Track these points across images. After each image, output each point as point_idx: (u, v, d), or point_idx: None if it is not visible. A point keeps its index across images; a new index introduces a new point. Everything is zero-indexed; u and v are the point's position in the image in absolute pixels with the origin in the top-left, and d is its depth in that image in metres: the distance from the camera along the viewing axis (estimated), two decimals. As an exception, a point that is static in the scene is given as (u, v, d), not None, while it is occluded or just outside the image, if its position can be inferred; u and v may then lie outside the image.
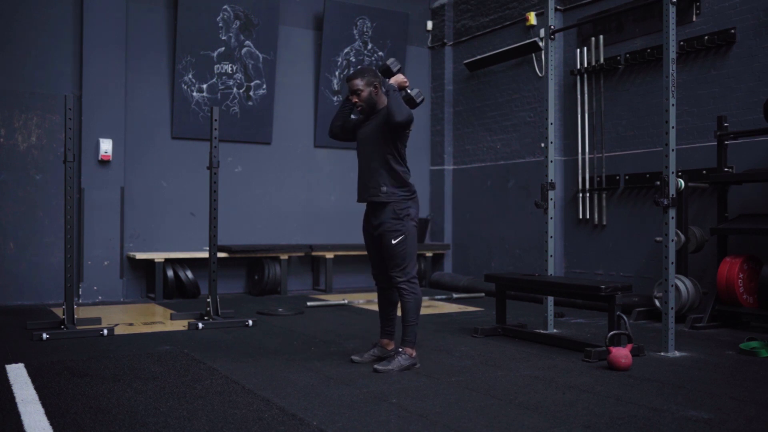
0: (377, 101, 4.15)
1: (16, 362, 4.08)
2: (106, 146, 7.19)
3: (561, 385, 3.63)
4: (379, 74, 4.19)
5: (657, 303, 5.66)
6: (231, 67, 7.88)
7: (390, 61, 4.16)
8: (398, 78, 4.15)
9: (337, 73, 8.55)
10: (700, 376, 3.86)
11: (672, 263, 4.51)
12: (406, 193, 4.10)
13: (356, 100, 4.13)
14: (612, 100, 7.11)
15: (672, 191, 4.49)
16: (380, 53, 8.77)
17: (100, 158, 7.18)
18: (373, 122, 4.15)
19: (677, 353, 4.46)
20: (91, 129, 7.18)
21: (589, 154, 7.29)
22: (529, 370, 4.00)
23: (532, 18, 7.88)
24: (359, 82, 4.09)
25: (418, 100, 4.15)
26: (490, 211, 8.55)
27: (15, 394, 3.36)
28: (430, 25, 9.40)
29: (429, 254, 8.89)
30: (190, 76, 7.66)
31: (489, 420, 3.00)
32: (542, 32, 6.92)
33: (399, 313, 4.15)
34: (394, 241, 4.02)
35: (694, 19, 6.32)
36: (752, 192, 5.82)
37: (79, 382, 3.62)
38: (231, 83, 7.90)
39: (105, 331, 5.07)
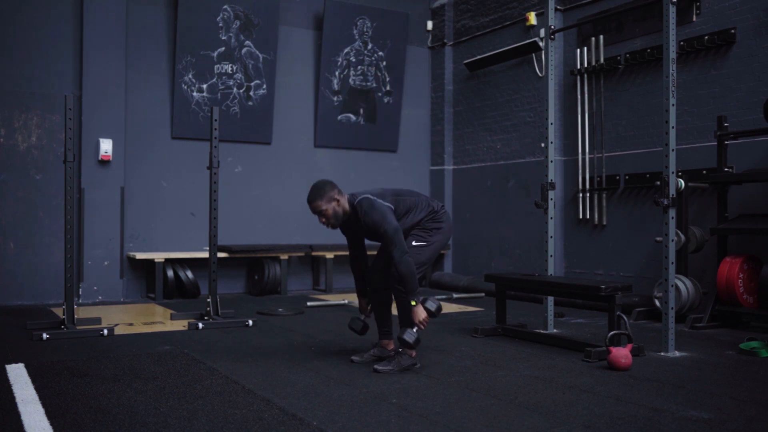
0: (344, 211, 3.99)
1: (16, 362, 4.08)
2: (106, 146, 7.19)
3: (561, 385, 3.63)
4: (338, 188, 3.99)
5: (657, 303, 5.66)
6: (231, 67, 7.88)
7: (436, 306, 3.95)
8: (420, 316, 3.87)
9: (337, 73, 8.55)
10: (700, 376, 3.86)
11: (672, 263, 4.50)
12: (432, 217, 4.14)
13: (323, 221, 3.97)
14: (612, 100, 7.11)
15: (672, 191, 4.49)
16: (380, 53, 8.77)
17: (100, 158, 7.18)
18: (356, 228, 4.08)
19: (677, 353, 4.46)
20: (91, 129, 7.18)
21: (589, 154, 7.29)
22: (529, 370, 4.00)
23: (532, 18, 7.88)
24: (320, 204, 3.92)
25: (433, 310, 3.97)
26: (490, 211, 8.55)
27: (15, 394, 3.36)
28: (430, 25, 9.40)
29: (429, 254, 8.88)
30: (190, 76, 7.66)
31: (489, 420, 3.00)
32: (542, 32, 6.93)
33: (394, 312, 4.14)
34: (414, 243, 4.03)
35: (694, 19, 6.32)
36: (752, 192, 5.82)
37: (79, 382, 3.62)
38: (231, 83, 7.90)
39: (105, 331, 5.07)
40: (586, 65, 7.28)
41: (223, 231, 7.27)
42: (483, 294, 7.76)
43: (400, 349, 4.01)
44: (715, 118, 5.94)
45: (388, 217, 3.87)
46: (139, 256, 7.27)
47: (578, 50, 7.36)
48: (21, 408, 3.13)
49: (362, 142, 8.79)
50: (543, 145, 5.55)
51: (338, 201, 3.95)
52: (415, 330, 3.86)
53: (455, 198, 9.14)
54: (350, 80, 8.63)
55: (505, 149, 8.36)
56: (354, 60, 8.62)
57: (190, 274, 7.45)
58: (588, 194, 7.28)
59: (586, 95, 7.31)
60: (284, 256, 7.93)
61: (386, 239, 3.84)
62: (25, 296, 6.94)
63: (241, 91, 7.97)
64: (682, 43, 6.28)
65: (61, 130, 7.00)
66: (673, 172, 4.50)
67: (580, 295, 4.85)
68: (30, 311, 6.36)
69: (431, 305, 3.92)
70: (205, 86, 7.76)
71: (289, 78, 8.40)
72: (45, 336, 4.85)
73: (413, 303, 3.85)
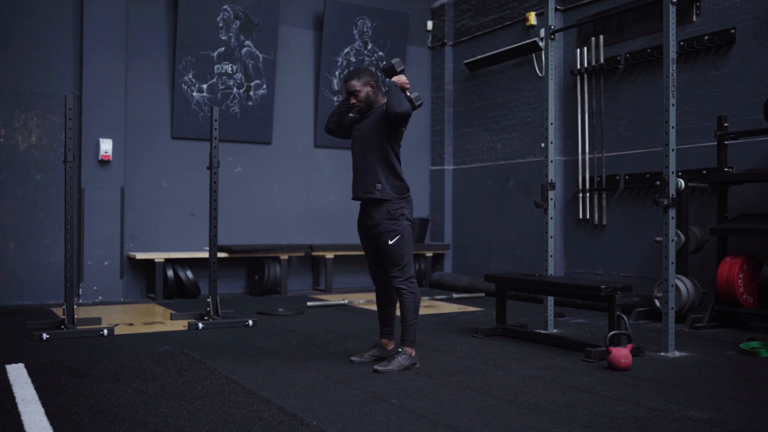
0: (375, 100, 4.16)
1: (16, 362, 4.08)
2: (106, 146, 7.19)
3: (561, 385, 3.63)
4: (377, 73, 4.19)
5: (657, 303, 5.66)
6: (231, 67, 7.88)
7: (395, 60, 4.11)
8: (401, 78, 4.08)
9: (337, 73, 8.55)
10: (700, 376, 3.86)
11: (672, 263, 4.51)
12: (400, 192, 4.12)
13: (354, 101, 4.13)
14: (612, 100, 7.11)
15: (672, 191, 4.49)
16: (380, 53, 8.77)
17: (100, 158, 7.18)
18: (369, 120, 4.16)
19: (677, 353, 4.46)
20: (91, 129, 7.18)
21: (589, 154, 7.29)
22: (529, 370, 4.00)
23: (532, 18, 7.88)
24: (356, 83, 4.10)
25: (417, 103, 4.10)
26: (490, 211, 8.55)
27: (15, 394, 3.36)
28: (430, 25, 9.40)
29: (429, 254, 8.89)
30: (190, 76, 7.66)
31: (489, 420, 3.00)
32: (542, 32, 6.92)
33: (398, 312, 4.15)
34: (391, 242, 4.03)
35: (694, 19, 6.32)
36: (752, 192, 5.82)
37: (79, 382, 3.62)
38: (231, 83, 7.90)
39: (105, 331, 5.07)
40: (586, 65, 7.28)
41: (223, 231, 7.27)
42: (483, 294, 7.76)
43: (400, 349, 4.01)
44: (715, 118, 5.94)
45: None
46: (139, 256, 7.27)
47: (578, 50, 7.36)
48: (21, 408, 3.13)
49: (362, 142, 8.78)
50: (543, 145, 5.55)
51: (373, 88, 4.16)
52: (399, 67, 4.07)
53: (455, 198, 9.15)
54: (350, 80, 8.62)
55: (505, 149, 8.36)
56: (354, 60, 8.62)
57: (190, 274, 7.45)
58: (588, 194, 7.28)
59: (586, 95, 7.31)
60: (284, 256, 7.93)
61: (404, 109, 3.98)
62: (25, 296, 6.94)
63: (241, 91, 7.97)
64: (682, 43, 6.28)
65: (61, 130, 7.00)
66: (673, 172, 4.50)
67: (580, 295, 4.85)
68: (30, 311, 6.36)
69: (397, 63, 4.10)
70: (205, 86, 7.76)
71: (289, 78, 8.40)
72: (45, 336, 4.84)
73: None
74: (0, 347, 4.59)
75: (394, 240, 4.03)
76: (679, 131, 6.02)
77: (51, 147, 7.08)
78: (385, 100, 4.10)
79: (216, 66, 7.79)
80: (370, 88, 4.13)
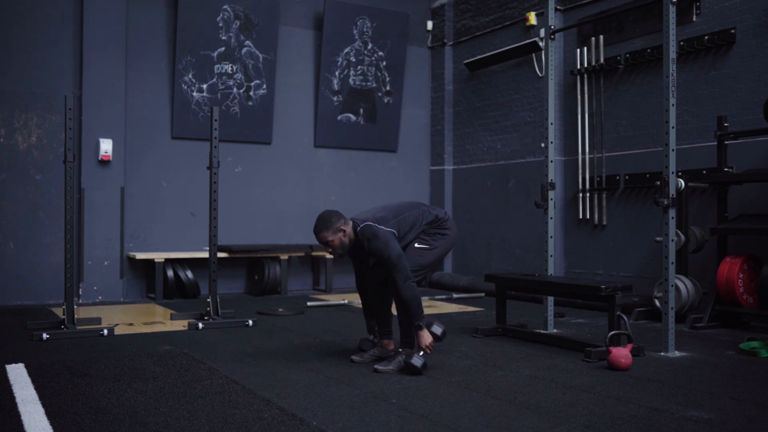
0: (350, 239, 4.03)
1: (16, 362, 4.09)
2: (106, 146, 7.19)
3: (561, 385, 3.63)
4: (344, 217, 4.05)
5: (657, 303, 5.66)
6: (231, 67, 7.88)
7: (435, 328, 3.94)
8: (426, 341, 3.87)
9: (337, 73, 8.55)
10: (700, 376, 3.86)
11: (672, 263, 4.50)
12: (441, 229, 4.19)
13: (330, 251, 4.03)
14: (612, 100, 7.11)
15: (672, 191, 4.49)
16: (380, 53, 8.77)
17: (100, 158, 7.18)
18: (364, 256, 4.19)
19: (677, 353, 4.46)
20: (91, 129, 7.18)
21: (589, 154, 7.29)
22: (529, 370, 4.00)
23: (532, 18, 7.88)
24: (327, 234, 3.96)
25: (439, 334, 3.96)
26: (490, 211, 8.55)
27: (15, 394, 3.36)
28: (430, 25, 9.40)
29: (429, 254, 8.88)
30: (190, 76, 7.66)
31: (489, 420, 3.00)
32: (542, 32, 6.92)
33: (396, 313, 4.14)
34: (417, 245, 4.07)
35: (694, 19, 6.32)
36: (752, 192, 5.82)
37: (79, 382, 3.62)
38: (231, 83, 7.90)
39: (105, 331, 5.07)
40: (586, 65, 7.28)
41: (223, 231, 7.27)
42: (483, 294, 7.76)
43: (400, 349, 4.01)
44: (715, 118, 5.94)
45: (391, 244, 3.89)
46: (139, 256, 7.27)
47: (578, 50, 7.36)
48: (21, 408, 3.13)
49: (362, 142, 8.79)
50: (543, 145, 5.55)
51: (344, 231, 3.98)
52: (421, 354, 3.87)
53: (455, 198, 9.14)
54: (350, 80, 8.63)
55: (505, 149, 8.36)
56: (354, 60, 8.62)
57: (190, 274, 7.45)
58: (588, 194, 7.28)
59: (586, 95, 7.31)
60: (284, 256, 7.93)
61: (390, 265, 3.86)
62: (25, 296, 6.94)
63: (241, 91, 7.97)
64: (682, 43, 6.28)
65: (61, 130, 7.00)
66: (673, 172, 4.50)
67: (580, 295, 4.85)
68: (30, 311, 6.36)
69: (437, 329, 3.91)
70: (205, 86, 7.76)
71: (289, 78, 8.40)
72: (45, 336, 4.85)
73: (419, 327, 3.86)
74: (0, 347, 4.59)
75: (420, 245, 4.07)
76: (679, 131, 6.02)
77: (51, 147, 7.08)
78: (359, 232, 3.99)
79: (216, 66, 7.79)
80: (341, 233, 3.97)
